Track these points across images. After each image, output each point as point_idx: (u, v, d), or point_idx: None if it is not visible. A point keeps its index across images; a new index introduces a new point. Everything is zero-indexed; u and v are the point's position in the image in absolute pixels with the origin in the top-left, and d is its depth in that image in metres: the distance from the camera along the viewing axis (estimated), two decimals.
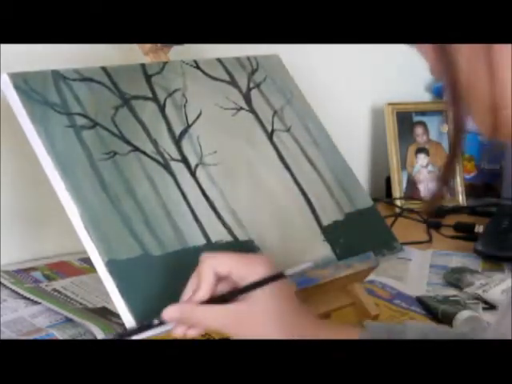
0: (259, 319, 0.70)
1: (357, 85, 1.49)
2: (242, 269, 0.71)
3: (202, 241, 0.81)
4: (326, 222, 0.91)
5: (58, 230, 1.07)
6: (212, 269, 0.71)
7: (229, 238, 0.83)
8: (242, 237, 0.84)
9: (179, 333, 0.71)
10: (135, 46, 0.97)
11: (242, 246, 0.83)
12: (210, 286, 0.71)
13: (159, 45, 0.95)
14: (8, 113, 0.82)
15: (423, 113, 1.52)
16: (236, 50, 1.01)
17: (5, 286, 1.01)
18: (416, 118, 1.51)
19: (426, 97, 1.64)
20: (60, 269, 1.08)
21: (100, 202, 0.77)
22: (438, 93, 1.62)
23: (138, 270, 0.75)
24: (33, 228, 1.13)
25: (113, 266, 0.74)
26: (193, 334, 0.71)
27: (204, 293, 0.71)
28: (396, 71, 1.55)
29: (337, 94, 1.46)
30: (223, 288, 0.72)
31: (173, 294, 0.74)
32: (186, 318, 0.70)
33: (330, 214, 0.92)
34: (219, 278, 0.72)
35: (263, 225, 0.86)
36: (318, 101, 1.29)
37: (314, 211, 0.91)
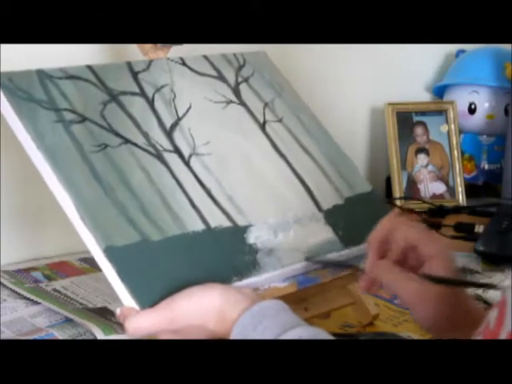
0: (434, 304, 0.75)
1: (357, 85, 1.49)
2: (428, 246, 0.77)
3: (201, 226, 0.80)
4: (325, 206, 0.91)
5: (58, 230, 1.07)
6: (404, 237, 0.78)
7: (228, 224, 0.83)
8: (241, 222, 0.83)
9: (363, 287, 0.80)
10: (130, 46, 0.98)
11: (243, 231, 0.83)
12: (400, 252, 0.78)
13: (159, 45, 0.95)
14: None
15: (423, 113, 1.52)
16: (236, 50, 1.01)
17: (5, 286, 1.01)
18: (416, 118, 1.51)
19: (426, 97, 1.64)
20: (60, 269, 1.08)
21: (94, 192, 0.77)
22: (438, 93, 1.62)
23: (138, 256, 0.75)
24: (33, 228, 1.13)
25: (111, 253, 0.73)
26: (373, 290, 0.80)
27: (394, 256, 0.78)
28: (396, 71, 1.55)
29: (337, 94, 1.46)
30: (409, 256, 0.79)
31: (174, 278, 0.74)
32: (378, 275, 0.78)
33: (330, 199, 0.92)
34: (404, 247, 0.78)
35: (262, 210, 0.86)
36: (318, 101, 1.29)
37: (312, 197, 0.91)
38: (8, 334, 0.88)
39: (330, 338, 0.66)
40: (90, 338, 0.86)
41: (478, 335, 0.57)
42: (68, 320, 0.91)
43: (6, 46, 0.99)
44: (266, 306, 0.70)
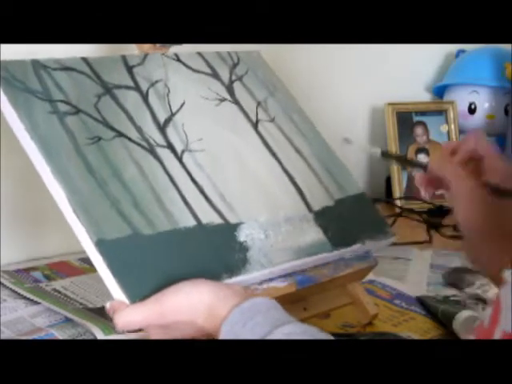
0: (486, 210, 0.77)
1: (357, 85, 1.49)
2: (495, 160, 0.80)
3: (192, 222, 0.80)
4: (316, 207, 0.91)
5: (58, 230, 1.07)
6: (476, 145, 0.80)
7: (219, 221, 0.82)
8: (232, 219, 0.83)
9: (420, 183, 0.83)
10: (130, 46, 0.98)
11: (233, 228, 0.83)
12: (468, 156, 0.80)
13: (158, 45, 0.95)
14: None
15: (423, 113, 1.52)
16: (235, 50, 1.01)
17: (5, 285, 1.01)
18: (416, 118, 1.51)
19: (426, 97, 1.64)
20: (60, 269, 1.08)
21: (87, 185, 0.77)
22: (438, 93, 1.62)
23: (129, 249, 0.74)
24: (33, 228, 1.13)
25: (102, 246, 0.73)
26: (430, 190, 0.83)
27: (461, 157, 0.80)
28: (396, 71, 1.55)
29: (337, 94, 1.46)
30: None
31: (165, 273, 0.74)
32: (442, 167, 0.80)
33: (320, 201, 0.92)
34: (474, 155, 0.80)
35: (253, 208, 0.86)
36: (318, 101, 1.29)
37: (303, 197, 0.91)
38: (8, 334, 0.88)
39: (322, 335, 0.66)
40: (90, 337, 0.86)
41: (473, 333, 0.57)
42: (68, 320, 0.91)
43: (6, 46, 0.99)
44: (257, 302, 0.70)
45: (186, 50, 0.96)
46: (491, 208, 0.77)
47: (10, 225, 1.09)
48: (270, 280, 0.82)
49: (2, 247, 1.08)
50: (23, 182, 1.08)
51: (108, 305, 0.73)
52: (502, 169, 0.80)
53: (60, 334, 0.88)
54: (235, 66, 0.98)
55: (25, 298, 0.98)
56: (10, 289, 1.00)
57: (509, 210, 0.78)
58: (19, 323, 0.91)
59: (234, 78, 0.97)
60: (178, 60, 0.94)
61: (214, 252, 0.79)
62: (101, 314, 0.91)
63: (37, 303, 0.96)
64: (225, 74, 0.97)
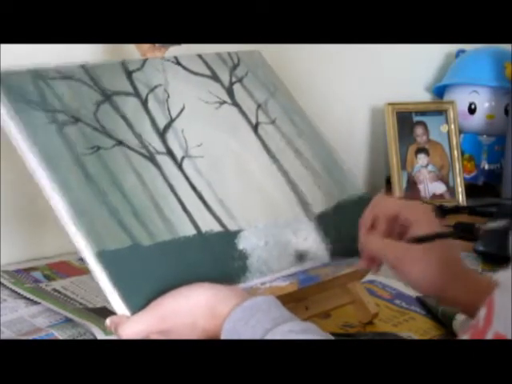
0: (422, 261, 0.78)
1: (357, 85, 1.49)
2: (410, 212, 0.82)
3: (192, 231, 0.80)
4: (316, 211, 0.91)
5: (58, 230, 1.06)
6: (386, 210, 0.82)
7: (219, 228, 0.82)
8: (232, 226, 0.83)
9: (361, 265, 0.84)
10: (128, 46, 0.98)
11: (233, 236, 0.83)
12: (386, 223, 0.82)
13: (157, 45, 0.95)
14: None
15: (423, 113, 1.52)
16: (235, 50, 1.01)
17: (5, 286, 1.01)
18: (416, 118, 1.51)
19: (426, 97, 1.64)
20: (60, 269, 1.08)
21: (86, 195, 0.76)
22: (438, 93, 1.62)
23: (129, 260, 0.74)
24: (33, 228, 1.13)
25: (102, 257, 0.73)
26: (375, 267, 0.84)
27: (382, 228, 0.82)
28: (396, 71, 1.55)
29: (337, 94, 1.46)
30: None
31: (165, 284, 0.74)
32: (369, 247, 0.82)
33: (321, 204, 0.92)
34: (390, 219, 0.82)
35: (253, 214, 0.86)
36: (318, 101, 1.29)
37: (303, 201, 0.91)
38: (8, 334, 0.88)
39: (322, 333, 0.67)
40: (90, 338, 0.86)
41: (468, 332, 0.57)
42: (68, 320, 0.91)
43: (5, 46, 0.99)
44: (258, 301, 0.70)
45: (185, 50, 0.96)
46: (429, 261, 0.78)
47: (10, 225, 1.09)
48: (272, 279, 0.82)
49: (2, 247, 1.08)
50: (23, 181, 1.08)
51: (108, 321, 0.73)
52: (419, 216, 0.82)
53: (60, 334, 0.88)
54: (235, 67, 0.98)
55: (25, 298, 0.98)
56: (10, 289, 1.00)
57: (445, 256, 0.79)
58: (19, 323, 0.91)
59: (234, 79, 0.97)
60: (178, 63, 0.94)
61: (214, 261, 0.79)
62: (101, 314, 0.91)
63: (37, 303, 0.96)
64: (225, 76, 0.97)
